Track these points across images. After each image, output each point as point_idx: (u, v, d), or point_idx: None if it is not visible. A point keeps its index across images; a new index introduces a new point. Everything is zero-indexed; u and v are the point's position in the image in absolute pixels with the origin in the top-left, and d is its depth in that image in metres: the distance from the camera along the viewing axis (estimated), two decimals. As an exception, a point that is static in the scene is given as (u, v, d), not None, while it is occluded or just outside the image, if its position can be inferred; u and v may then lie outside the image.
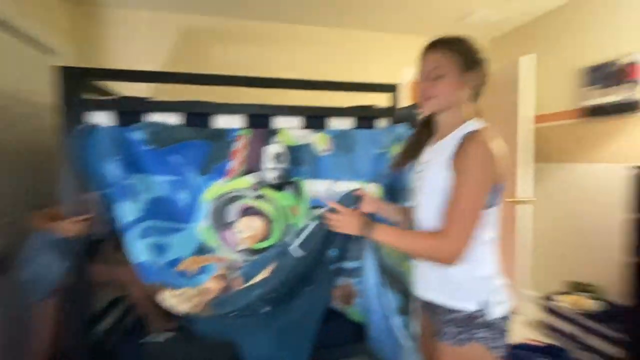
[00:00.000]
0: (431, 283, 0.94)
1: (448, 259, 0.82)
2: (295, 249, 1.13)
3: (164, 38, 2.40)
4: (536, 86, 2.48)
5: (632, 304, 1.56)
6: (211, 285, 1.19)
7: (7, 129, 1.66)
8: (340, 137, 1.47)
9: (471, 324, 0.85)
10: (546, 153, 2.51)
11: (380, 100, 1.66)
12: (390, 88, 1.61)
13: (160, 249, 1.17)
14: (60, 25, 2.13)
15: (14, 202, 1.64)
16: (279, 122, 1.44)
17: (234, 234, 1.29)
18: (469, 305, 0.86)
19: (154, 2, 2.24)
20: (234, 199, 1.30)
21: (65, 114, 1.22)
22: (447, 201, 0.84)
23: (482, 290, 0.86)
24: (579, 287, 2.24)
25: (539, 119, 2.53)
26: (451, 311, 0.88)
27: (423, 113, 0.97)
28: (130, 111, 1.29)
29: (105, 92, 1.63)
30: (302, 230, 1.15)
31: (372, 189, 1.46)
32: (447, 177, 0.85)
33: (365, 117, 1.57)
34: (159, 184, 1.23)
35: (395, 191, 1.45)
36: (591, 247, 2.22)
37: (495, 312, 0.85)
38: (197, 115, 1.34)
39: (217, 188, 1.28)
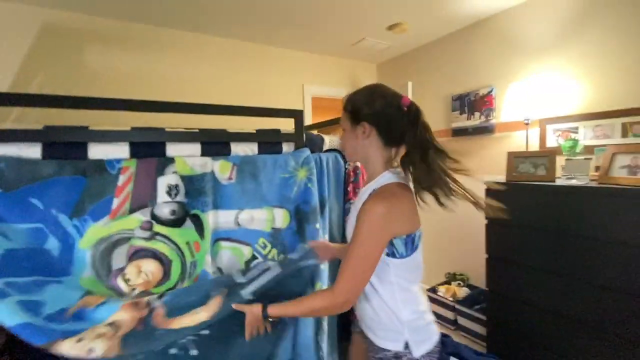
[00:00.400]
0: (365, 320, 0.99)
1: (340, 309, 0.88)
2: (247, 293, 1.05)
3: (18, 35, 1.94)
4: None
5: (489, 289, 1.95)
6: (123, 316, 0.97)
7: None
8: (243, 164, 1.42)
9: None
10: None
11: (284, 123, 1.68)
12: (295, 113, 1.64)
13: (33, 306, 0.92)
14: None
15: None
16: (174, 149, 1.31)
17: (124, 281, 1.12)
18: (394, 346, 0.91)
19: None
20: (119, 242, 1.12)
21: None
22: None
23: (405, 332, 0.91)
24: (453, 277, 2.69)
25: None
26: (380, 349, 0.94)
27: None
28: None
29: None
30: (255, 274, 1.08)
31: (280, 214, 1.46)
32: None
33: (269, 141, 1.56)
34: (16, 233, 0.98)
35: (303, 214, 1.49)
36: (464, 243, 2.69)
37: (419, 350, 0.91)
38: (68, 145, 1.12)
39: (97, 231, 1.09)
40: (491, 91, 2.44)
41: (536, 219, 1.72)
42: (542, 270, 1.71)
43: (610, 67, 1.86)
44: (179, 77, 2.42)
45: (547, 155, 1.80)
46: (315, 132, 1.85)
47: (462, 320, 2.37)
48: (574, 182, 1.67)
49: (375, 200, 0.87)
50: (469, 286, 2.60)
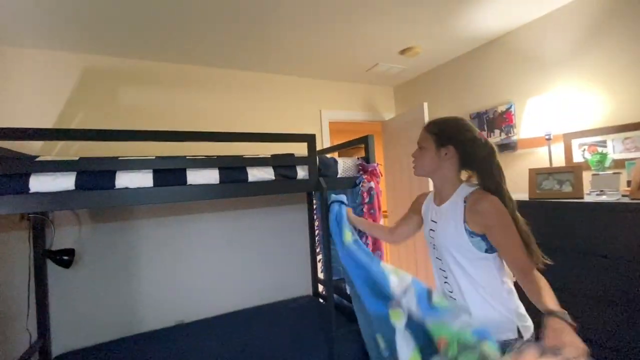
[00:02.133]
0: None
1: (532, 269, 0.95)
2: None
3: (64, 79, 2.19)
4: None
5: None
6: None
7: None
8: None
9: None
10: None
11: (298, 147, 1.74)
12: (307, 137, 1.70)
13: None
14: None
15: None
16: (194, 175, 1.40)
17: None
18: (507, 335, 0.99)
19: (52, 41, 2.04)
20: None
21: None
22: (503, 256, 1.01)
23: (515, 319, 1.01)
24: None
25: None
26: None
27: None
28: (16, 174, 1.13)
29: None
30: None
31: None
32: (464, 235, 1.03)
33: (284, 165, 1.62)
34: None
35: None
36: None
37: (527, 334, 1.00)
38: (99, 173, 1.23)
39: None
40: (510, 107, 2.40)
41: (563, 238, 1.62)
42: (570, 293, 1.58)
43: (635, 76, 1.78)
44: (203, 110, 2.59)
45: (572, 171, 1.71)
46: (329, 155, 1.90)
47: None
48: (604, 198, 1.57)
49: (486, 199, 1.01)
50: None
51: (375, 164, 1.78)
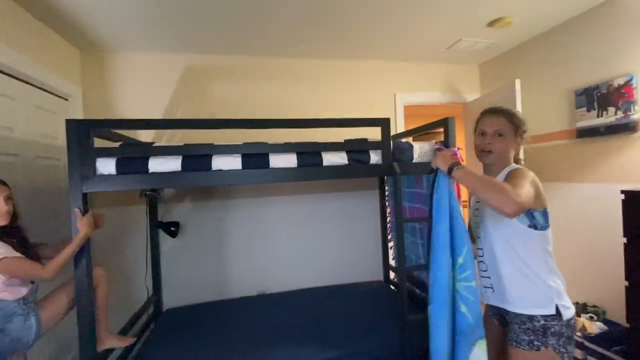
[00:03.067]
0: (511, 292, 1.12)
1: (510, 209, 0.95)
2: None
3: (167, 77, 2.54)
4: (528, 107, 2.56)
5: (630, 327, 1.56)
6: None
7: (29, 169, 1.78)
8: None
9: (545, 330, 1.04)
10: (540, 173, 2.55)
11: (373, 133, 1.74)
12: (381, 122, 1.68)
13: None
14: (72, 70, 2.28)
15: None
16: (276, 159, 1.52)
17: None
18: (545, 311, 1.05)
19: (157, 44, 2.39)
20: None
21: (74, 162, 1.33)
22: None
23: (555, 297, 1.06)
24: (583, 309, 2.22)
25: (533, 139, 2.60)
26: (528, 318, 1.07)
27: (482, 162, 1.26)
28: (135, 157, 1.39)
29: (114, 134, 1.75)
30: None
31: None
32: None
33: (357, 150, 1.65)
34: None
35: None
36: (592, 267, 2.22)
37: (567, 314, 1.05)
38: (199, 157, 1.44)
39: None
40: (630, 80, 1.99)
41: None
42: None
43: None
44: (278, 99, 2.74)
45: None
46: (404, 139, 1.85)
47: (591, 361, 1.94)
48: None
49: (518, 169, 1.12)
50: (606, 322, 2.11)
51: (456, 148, 1.68)
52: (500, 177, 1.16)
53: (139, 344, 1.88)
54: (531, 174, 1.08)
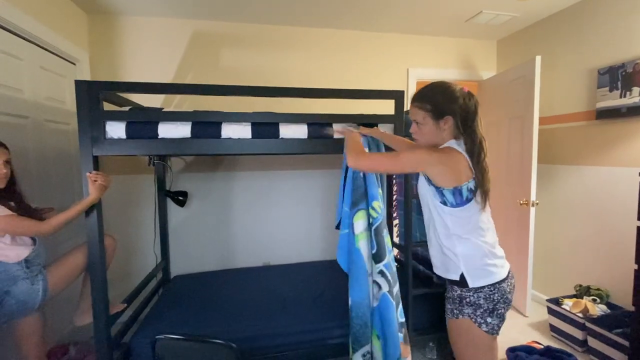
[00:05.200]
0: (435, 263, 1.20)
1: (349, 162, 1.22)
2: None
3: (176, 43, 2.48)
4: (545, 87, 2.47)
5: (636, 310, 1.56)
6: None
7: (36, 134, 1.78)
8: None
9: (461, 299, 1.10)
10: (555, 155, 2.49)
11: (386, 104, 1.70)
12: (395, 94, 1.63)
13: None
14: (79, 34, 2.23)
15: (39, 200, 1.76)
16: (285, 129, 1.50)
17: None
18: (453, 275, 1.10)
19: (166, 8, 2.31)
20: None
21: (84, 124, 1.32)
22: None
23: (461, 265, 1.09)
24: (586, 291, 2.23)
25: (549, 120, 2.52)
26: (449, 282, 1.15)
27: None
28: (145, 121, 1.37)
29: (123, 99, 1.72)
30: None
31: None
32: (425, 182, 1.13)
33: (368, 123, 1.61)
34: None
35: None
36: (602, 251, 2.20)
37: (473, 283, 1.07)
38: (208, 124, 1.42)
39: None
40: (659, 60, 1.89)
41: None
42: None
43: None
44: (293, 69, 2.66)
45: None
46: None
47: (594, 343, 1.96)
48: None
49: (431, 148, 1.12)
50: (609, 305, 2.12)
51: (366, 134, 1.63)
52: None
53: (147, 307, 1.94)
54: (443, 155, 1.06)
